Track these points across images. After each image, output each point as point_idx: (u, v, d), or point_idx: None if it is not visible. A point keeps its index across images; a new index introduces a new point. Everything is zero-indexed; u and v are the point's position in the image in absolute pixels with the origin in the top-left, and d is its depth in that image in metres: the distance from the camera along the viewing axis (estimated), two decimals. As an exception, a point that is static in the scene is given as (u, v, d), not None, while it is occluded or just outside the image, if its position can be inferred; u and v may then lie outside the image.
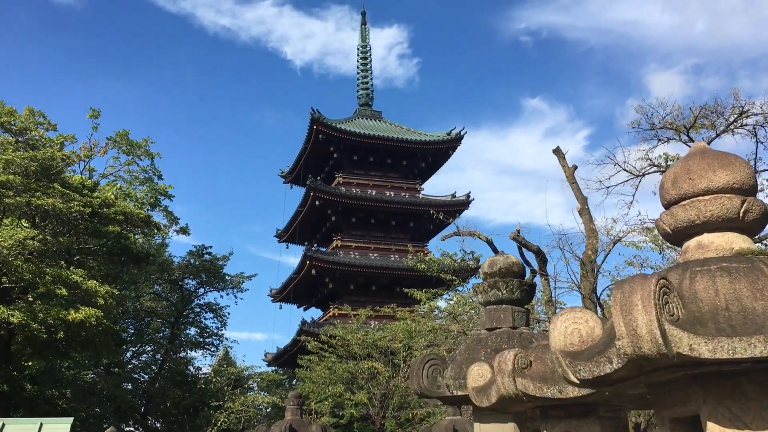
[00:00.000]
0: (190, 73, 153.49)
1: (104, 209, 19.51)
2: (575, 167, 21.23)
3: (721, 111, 24.62)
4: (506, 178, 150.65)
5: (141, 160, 36.22)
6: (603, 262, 19.14)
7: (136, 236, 30.64)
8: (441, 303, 30.50)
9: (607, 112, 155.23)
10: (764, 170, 24.78)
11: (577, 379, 2.40)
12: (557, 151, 21.41)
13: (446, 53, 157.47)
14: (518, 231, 20.18)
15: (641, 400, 3.74)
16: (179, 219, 39.01)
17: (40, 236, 17.30)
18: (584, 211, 20.32)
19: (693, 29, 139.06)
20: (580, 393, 3.47)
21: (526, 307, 5.81)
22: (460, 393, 5.31)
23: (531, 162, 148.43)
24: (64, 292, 16.93)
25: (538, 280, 21.11)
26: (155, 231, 28.64)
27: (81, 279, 17.51)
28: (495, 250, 24.15)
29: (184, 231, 39.24)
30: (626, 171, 24.93)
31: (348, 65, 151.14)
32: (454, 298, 23.85)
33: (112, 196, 21.83)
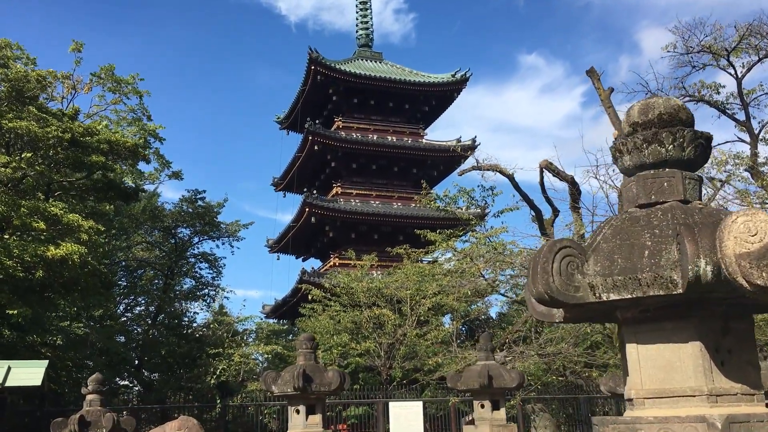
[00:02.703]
0: (181, 27, 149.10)
1: (87, 138, 17.39)
2: (611, 89, 19.16)
3: (766, 32, 22.47)
4: (501, 136, 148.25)
5: (128, 99, 33.77)
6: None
7: (125, 180, 28.53)
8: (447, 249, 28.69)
9: (604, 68, 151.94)
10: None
11: None
12: (591, 72, 19.34)
13: (443, 7, 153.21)
14: (548, 162, 18.22)
15: None
16: (171, 163, 36.77)
17: (14, 164, 15.26)
18: (621, 138, 18.32)
19: None
20: None
21: (698, 173, 3.85)
22: (614, 296, 3.37)
23: (527, 119, 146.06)
24: (42, 225, 14.91)
25: (569, 214, 19.28)
26: (143, 165, 26.40)
27: (61, 212, 15.50)
28: (516, 187, 22.17)
29: (176, 175, 36.99)
30: (659, 100, 22.86)
31: (343, 21, 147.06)
32: (473, 238, 21.95)
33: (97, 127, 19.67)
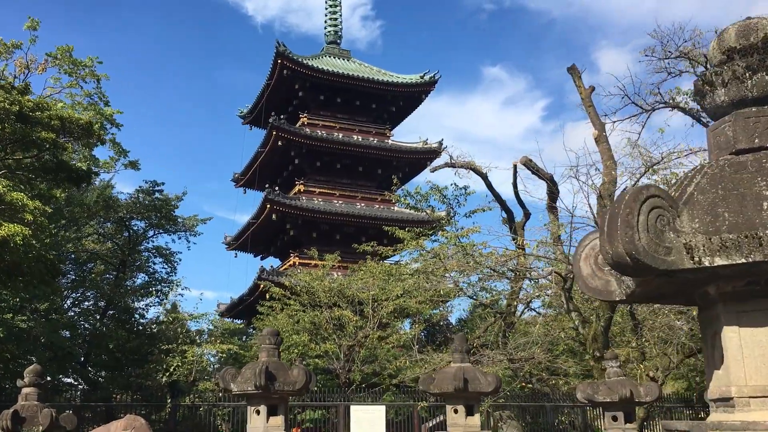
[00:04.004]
0: (144, 22, 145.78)
1: (36, 113, 16.10)
2: (592, 88, 18.58)
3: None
4: (464, 146, 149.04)
5: (86, 82, 32.19)
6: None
7: (77, 165, 27.03)
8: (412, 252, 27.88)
9: (565, 84, 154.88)
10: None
11: None
12: (572, 70, 18.75)
13: (410, 17, 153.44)
14: (527, 158, 17.55)
15: None
16: (128, 152, 35.15)
17: (-47, 136, 13.93)
18: (601, 138, 17.76)
19: (643, 6, 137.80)
20: None
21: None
22: (721, 261, 2.56)
23: (489, 130, 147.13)
24: (-19, 204, 13.64)
25: (540, 217, 18.66)
26: (99, 152, 24.88)
27: (4, 190, 14.20)
28: (490, 186, 21.50)
29: (133, 165, 35.38)
30: (636, 105, 22.47)
31: (310, 24, 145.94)
32: (443, 238, 21.16)
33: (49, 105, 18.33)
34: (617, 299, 3.20)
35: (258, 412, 10.73)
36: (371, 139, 47.89)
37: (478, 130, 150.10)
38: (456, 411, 12.35)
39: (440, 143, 47.28)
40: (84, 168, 20.38)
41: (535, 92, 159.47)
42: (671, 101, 22.81)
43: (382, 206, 45.59)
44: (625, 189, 2.99)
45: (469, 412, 12.37)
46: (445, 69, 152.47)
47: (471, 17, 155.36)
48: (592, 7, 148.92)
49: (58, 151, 17.13)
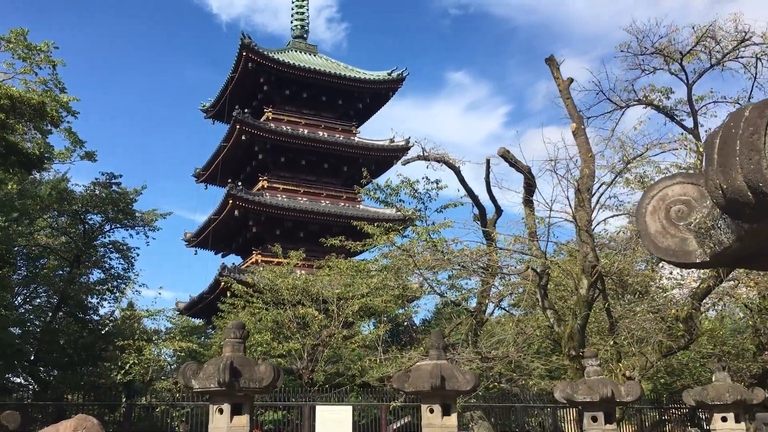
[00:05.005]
0: (105, 18, 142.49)
1: (-16, 91, 15.01)
2: (571, 80, 18.11)
3: (720, 39, 22.10)
4: (428, 148, 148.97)
5: (41, 68, 30.77)
6: (608, 188, 16.11)
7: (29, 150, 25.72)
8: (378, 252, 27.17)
9: (525, 91, 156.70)
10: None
11: None
12: (550, 61, 18.28)
13: (376, 20, 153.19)
14: (505, 150, 16.97)
15: None
16: (85, 143, 33.69)
17: None
18: (579, 132, 17.29)
19: (602, 18, 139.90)
20: None
21: None
22: None
23: (453, 135, 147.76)
24: None
25: (516, 214, 18.10)
26: (54, 141, 23.65)
27: (-55, 171, 13.13)
28: (462, 181, 20.87)
29: (89, 156, 33.84)
30: (610, 101, 22.17)
31: (276, 24, 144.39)
32: (414, 233, 20.46)
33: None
34: (697, 261, 2.52)
35: (221, 411, 9.95)
36: (337, 135, 47.11)
37: (441, 134, 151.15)
38: (432, 411, 11.72)
39: (407, 141, 46.73)
40: (37, 153, 19.23)
41: (497, 98, 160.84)
42: (645, 99, 22.55)
43: (347, 204, 44.87)
44: (742, 106, 2.30)
45: (446, 412, 11.76)
46: (409, 73, 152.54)
47: (436, 22, 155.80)
48: (555, 15, 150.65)
49: (6, 133, 16.03)
